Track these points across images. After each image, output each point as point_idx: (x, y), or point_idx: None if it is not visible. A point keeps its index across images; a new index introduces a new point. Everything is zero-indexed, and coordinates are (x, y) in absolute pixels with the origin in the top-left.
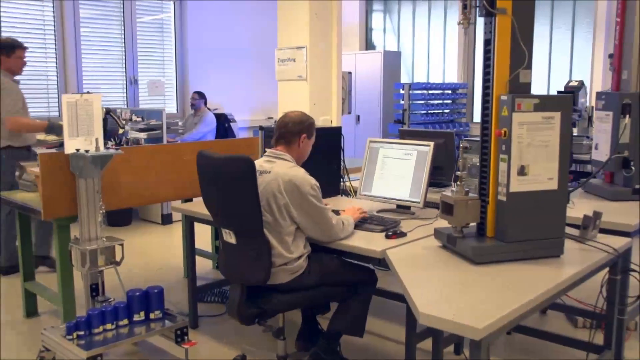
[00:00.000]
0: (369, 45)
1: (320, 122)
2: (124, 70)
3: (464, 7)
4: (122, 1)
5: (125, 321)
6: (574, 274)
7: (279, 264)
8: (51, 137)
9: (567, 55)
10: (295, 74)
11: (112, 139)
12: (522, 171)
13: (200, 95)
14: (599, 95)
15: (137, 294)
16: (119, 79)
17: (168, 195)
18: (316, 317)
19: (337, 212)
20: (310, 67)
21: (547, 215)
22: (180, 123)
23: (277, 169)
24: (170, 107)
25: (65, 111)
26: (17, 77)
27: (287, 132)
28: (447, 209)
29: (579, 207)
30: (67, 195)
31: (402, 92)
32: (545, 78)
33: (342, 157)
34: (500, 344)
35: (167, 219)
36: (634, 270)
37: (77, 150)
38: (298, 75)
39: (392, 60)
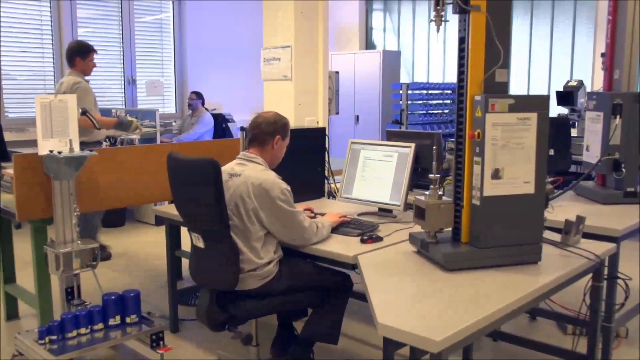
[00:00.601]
0: (369, 44)
1: (306, 123)
2: (122, 70)
3: (437, 3)
4: (120, 1)
5: (101, 325)
6: (549, 282)
7: (247, 270)
8: (120, 133)
9: (567, 55)
10: (280, 74)
11: (107, 140)
12: (496, 174)
13: (198, 95)
14: (590, 95)
15: (113, 297)
16: (117, 79)
17: (155, 196)
18: (292, 323)
19: (316, 215)
20: (296, 67)
21: (524, 220)
22: (174, 123)
23: (248, 172)
24: (169, 107)
25: (39, 112)
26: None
27: (259, 133)
28: (419, 213)
29: (567, 210)
30: (42, 197)
31: (400, 92)
32: (546, 77)
33: (327, 159)
34: (487, 350)
35: (160, 220)
36: (617, 277)
37: (51, 151)
38: (283, 75)
39: (391, 60)
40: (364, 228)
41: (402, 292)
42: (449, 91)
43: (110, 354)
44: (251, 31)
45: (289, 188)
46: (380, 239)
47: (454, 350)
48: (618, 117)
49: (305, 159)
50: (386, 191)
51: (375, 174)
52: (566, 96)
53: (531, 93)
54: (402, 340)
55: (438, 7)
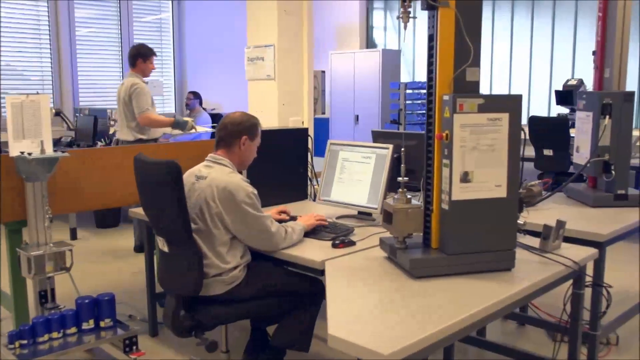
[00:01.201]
0: (369, 43)
1: (291, 123)
2: (121, 69)
3: (404, 0)
4: (119, 1)
5: (74, 329)
6: (520, 290)
7: (212, 275)
8: (177, 132)
9: (569, 53)
10: (264, 74)
11: (102, 140)
12: (465, 178)
13: (195, 95)
14: (580, 94)
15: (87, 301)
16: (115, 79)
17: (136, 196)
18: (266, 329)
19: (294, 218)
20: (279, 66)
21: (496, 226)
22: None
23: (214, 175)
24: (169, 107)
25: (10, 113)
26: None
27: (226, 134)
28: (388, 217)
29: (553, 213)
30: (16, 198)
31: (398, 91)
32: (547, 76)
33: (310, 160)
34: (471, 357)
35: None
36: (599, 285)
37: (22, 152)
38: (267, 74)
39: (391, 59)
40: (338, 232)
41: (363, 300)
42: None
43: (86, 358)
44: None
45: (256, 192)
46: (352, 243)
47: None
48: (607, 117)
49: (288, 160)
50: (364, 194)
51: (353, 176)
52: (566, 96)
53: (532, 93)
54: (350, 353)
55: (405, 3)
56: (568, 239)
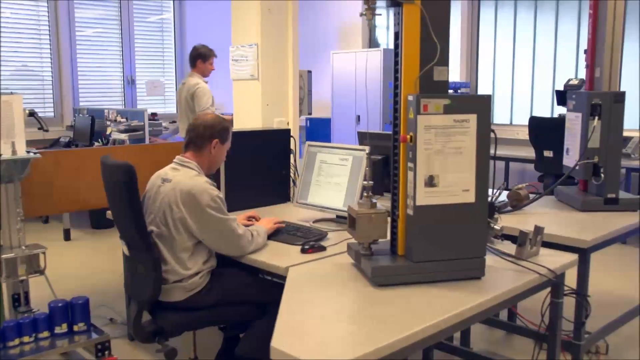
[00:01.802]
0: (372, 43)
1: (275, 124)
2: (122, 70)
3: None
4: (119, 1)
5: (46, 333)
6: (486, 300)
7: (172, 280)
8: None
9: (573, 53)
10: (247, 73)
11: (99, 140)
12: (430, 182)
13: None
14: (569, 94)
15: (60, 305)
16: (116, 79)
17: None
18: (239, 336)
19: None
20: (263, 66)
21: (464, 232)
22: (164, 124)
23: (178, 178)
24: (171, 108)
25: None
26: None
27: (196, 136)
28: (352, 222)
29: (540, 218)
30: None
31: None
32: (551, 76)
33: (294, 161)
34: None
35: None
36: (576, 294)
37: None
38: (250, 74)
39: (392, 60)
40: (310, 236)
41: (317, 309)
42: (450, 91)
43: None
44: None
45: (221, 195)
46: (322, 248)
47: None
48: (596, 118)
49: (270, 162)
50: (340, 197)
51: (330, 178)
52: (567, 96)
53: (535, 92)
54: None
55: (369, 1)
56: (551, 245)
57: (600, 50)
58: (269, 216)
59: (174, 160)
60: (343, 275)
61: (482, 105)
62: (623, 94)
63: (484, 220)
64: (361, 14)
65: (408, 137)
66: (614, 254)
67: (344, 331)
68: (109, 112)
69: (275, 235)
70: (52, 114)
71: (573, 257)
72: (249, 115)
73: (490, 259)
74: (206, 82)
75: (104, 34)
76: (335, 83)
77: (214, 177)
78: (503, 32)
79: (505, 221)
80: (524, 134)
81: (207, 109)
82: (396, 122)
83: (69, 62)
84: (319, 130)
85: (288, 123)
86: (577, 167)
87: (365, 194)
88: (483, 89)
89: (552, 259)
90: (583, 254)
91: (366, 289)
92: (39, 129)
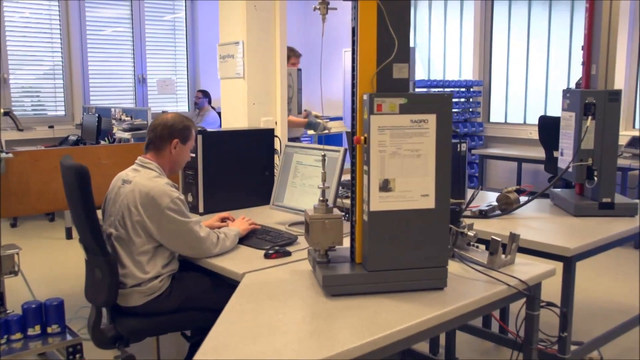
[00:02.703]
0: None
1: (262, 123)
2: (133, 69)
3: None
4: (130, 0)
5: (19, 335)
6: (442, 314)
7: (130, 285)
8: (311, 132)
9: None
10: (234, 72)
11: (105, 138)
12: (385, 186)
13: (205, 94)
14: (564, 93)
15: (33, 306)
16: (128, 78)
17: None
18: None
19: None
20: (249, 64)
21: (424, 240)
22: None
23: (137, 180)
24: (182, 106)
25: None
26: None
27: (156, 137)
28: (307, 228)
29: (529, 223)
30: None
31: None
32: (565, 74)
33: (278, 162)
34: None
35: None
36: (553, 306)
37: None
38: (236, 72)
39: None
40: (278, 240)
41: (256, 321)
42: (461, 89)
43: None
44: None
45: (182, 197)
46: (287, 254)
47: None
48: (590, 118)
49: (252, 163)
50: (314, 199)
51: (305, 180)
52: None
53: (549, 91)
54: None
55: None
56: (535, 253)
57: (597, 45)
58: (252, 218)
59: (136, 161)
60: (299, 284)
61: (442, 105)
62: (618, 92)
63: (446, 228)
64: (315, 9)
65: (362, 138)
66: (625, 257)
67: (279, 343)
68: (116, 111)
69: (244, 238)
70: (63, 113)
71: (549, 267)
72: (235, 114)
73: (460, 268)
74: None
75: (115, 34)
76: (347, 81)
77: (193, 177)
78: (517, 30)
79: (492, 226)
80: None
81: (288, 110)
82: (353, 122)
83: (79, 61)
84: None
85: (276, 123)
86: (570, 170)
87: (320, 198)
88: (496, 88)
89: (527, 269)
90: (568, 262)
91: (317, 299)
92: (19, 129)
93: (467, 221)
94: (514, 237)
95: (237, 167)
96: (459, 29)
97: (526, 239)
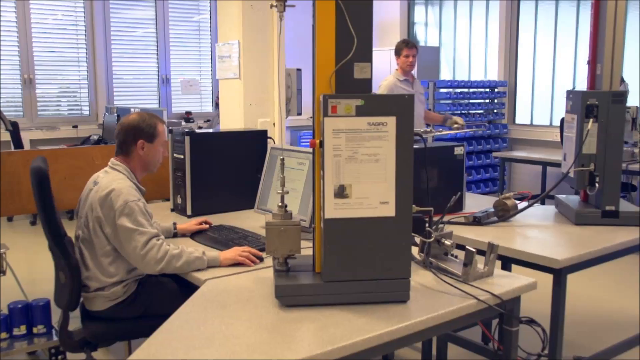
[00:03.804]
0: (411, 40)
1: (259, 125)
2: (157, 69)
3: None
4: (155, 2)
5: (4, 334)
6: (392, 330)
7: (94, 289)
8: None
9: None
10: (231, 72)
11: None
12: (341, 192)
13: None
14: (567, 94)
15: (19, 306)
16: (152, 78)
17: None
18: None
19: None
20: (245, 64)
21: (383, 250)
22: (184, 123)
23: (104, 181)
24: (207, 107)
25: None
26: None
27: (120, 141)
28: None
29: (523, 230)
30: None
31: (426, 90)
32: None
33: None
34: None
35: None
36: (532, 322)
37: None
38: (233, 73)
39: (429, 56)
40: (254, 245)
41: (197, 331)
42: (485, 90)
43: None
44: (293, 30)
45: (141, 202)
46: (259, 259)
47: None
48: (592, 120)
49: (245, 165)
50: (295, 203)
51: (288, 183)
52: None
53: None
54: None
55: None
56: (525, 264)
57: (602, 43)
58: (235, 222)
59: (109, 163)
60: (257, 293)
61: (402, 106)
62: (623, 93)
63: (408, 237)
64: (272, 6)
65: (317, 141)
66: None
67: (211, 357)
68: (134, 111)
69: (217, 242)
70: (88, 112)
71: (529, 280)
72: (232, 115)
73: (434, 280)
74: (405, 80)
75: (140, 35)
76: (372, 81)
77: (181, 179)
78: (544, 29)
79: (486, 234)
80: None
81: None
82: (314, 126)
83: (103, 61)
84: None
85: (274, 124)
86: (571, 175)
87: (279, 204)
88: (522, 88)
89: (505, 282)
90: (557, 274)
91: (270, 309)
92: (7, 130)
93: (447, 228)
94: (492, 247)
95: (227, 169)
96: (484, 29)
97: (515, 249)
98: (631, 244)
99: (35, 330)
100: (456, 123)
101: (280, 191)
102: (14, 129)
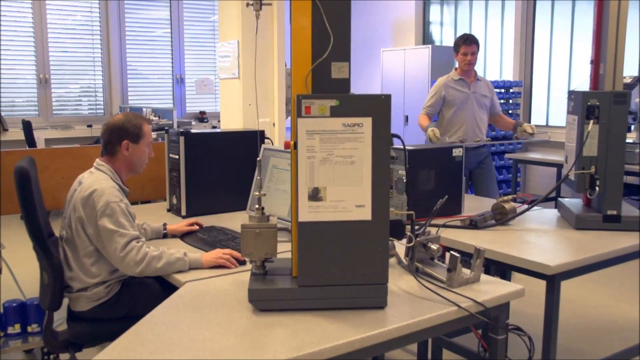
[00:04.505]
0: (426, 40)
1: (260, 125)
2: (171, 70)
3: None
4: (169, 1)
5: None
6: (363, 338)
7: (77, 289)
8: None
9: (636, 47)
10: (230, 72)
11: None
12: (315, 195)
13: None
14: (569, 94)
15: (14, 305)
16: (166, 78)
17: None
18: None
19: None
20: (244, 64)
21: (359, 255)
22: (194, 123)
23: (88, 181)
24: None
25: None
26: None
27: (105, 141)
28: None
29: (521, 234)
30: None
31: None
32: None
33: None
34: None
35: None
36: (519, 330)
37: None
38: (232, 72)
39: (443, 56)
40: (239, 248)
41: (164, 335)
42: (502, 90)
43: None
44: None
45: (123, 203)
46: (241, 262)
47: None
48: (592, 122)
49: (240, 166)
50: (285, 205)
51: (279, 185)
52: None
53: None
54: None
55: None
56: (518, 270)
57: (605, 42)
58: (229, 223)
59: (94, 163)
60: (234, 296)
61: (378, 107)
62: (625, 94)
63: (385, 242)
64: (248, 4)
65: (292, 143)
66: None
67: None
68: (146, 111)
69: (206, 243)
70: (102, 112)
71: (517, 287)
72: (232, 115)
73: (417, 286)
74: (458, 79)
75: (154, 35)
76: (385, 82)
77: (176, 180)
78: (560, 28)
79: (481, 237)
80: None
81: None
82: (292, 126)
83: (118, 61)
84: None
85: (274, 124)
86: (570, 178)
87: (257, 206)
88: (537, 88)
89: (492, 289)
90: (550, 281)
91: (243, 313)
92: (4, 130)
93: (433, 232)
94: (478, 252)
95: (223, 170)
96: (500, 28)
97: (506, 254)
98: (633, 249)
99: (29, 329)
100: (525, 131)
101: (257, 193)
102: (27, 128)
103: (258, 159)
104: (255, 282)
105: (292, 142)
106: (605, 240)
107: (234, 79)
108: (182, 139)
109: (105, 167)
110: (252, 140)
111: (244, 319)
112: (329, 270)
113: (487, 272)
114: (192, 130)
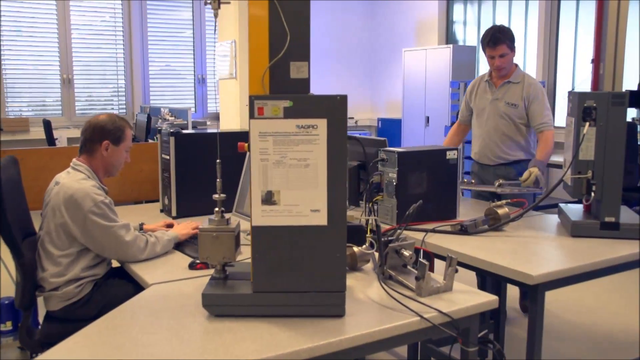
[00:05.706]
0: (449, 39)
1: None
2: (193, 70)
3: None
4: (192, 2)
5: None
6: (310, 348)
7: (49, 288)
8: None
9: None
10: (228, 72)
11: (155, 137)
12: (269, 199)
13: None
14: (569, 95)
15: (6, 302)
16: (188, 78)
17: None
18: None
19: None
20: (241, 64)
21: (315, 261)
22: (209, 123)
23: (65, 181)
24: None
25: None
26: None
27: (86, 139)
28: None
29: (516, 240)
30: None
31: (458, 91)
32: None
33: None
34: None
35: None
36: (489, 342)
37: None
38: (229, 72)
39: (465, 56)
40: None
41: (108, 341)
42: None
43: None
44: (319, 29)
45: (107, 200)
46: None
47: None
48: (588, 124)
49: (232, 166)
50: None
51: None
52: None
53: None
54: None
55: None
56: (501, 278)
57: (604, 41)
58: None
59: (71, 163)
60: (196, 300)
61: (334, 108)
62: (624, 95)
63: (342, 247)
64: (206, 3)
65: (245, 145)
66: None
67: None
68: (163, 111)
69: (181, 244)
70: (125, 112)
71: (490, 297)
72: (231, 116)
73: (385, 294)
74: (486, 79)
75: (176, 35)
76: (406, 82)
77: (168, 179)
78: (585, 28)
79: (469, 243)
80: None
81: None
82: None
83: (140, 61)
84: (389, 131)
85: None
86: (565, 182)
87: (217, 209)
88: (561, 89)
89: (463, 298)
90: (534, 291)
91: (197, 319)
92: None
93: (430, 237)
94: (450, 259)
95: (214, 171)
96: (523, 28)
97: (491, 262)
98: (630, 258)
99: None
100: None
101: (217, 196)
102: (47, 128)
103: (217, 161)
104: (212, 286)
105: (246, 145)
106: (600, 248)
107: (231, 79)
108: (172, 139)
109: (83, 167)
110: (243, 141)
111: (196, 324)
112: (284, 276)
113: (483, 280)
114: (184, 131)
